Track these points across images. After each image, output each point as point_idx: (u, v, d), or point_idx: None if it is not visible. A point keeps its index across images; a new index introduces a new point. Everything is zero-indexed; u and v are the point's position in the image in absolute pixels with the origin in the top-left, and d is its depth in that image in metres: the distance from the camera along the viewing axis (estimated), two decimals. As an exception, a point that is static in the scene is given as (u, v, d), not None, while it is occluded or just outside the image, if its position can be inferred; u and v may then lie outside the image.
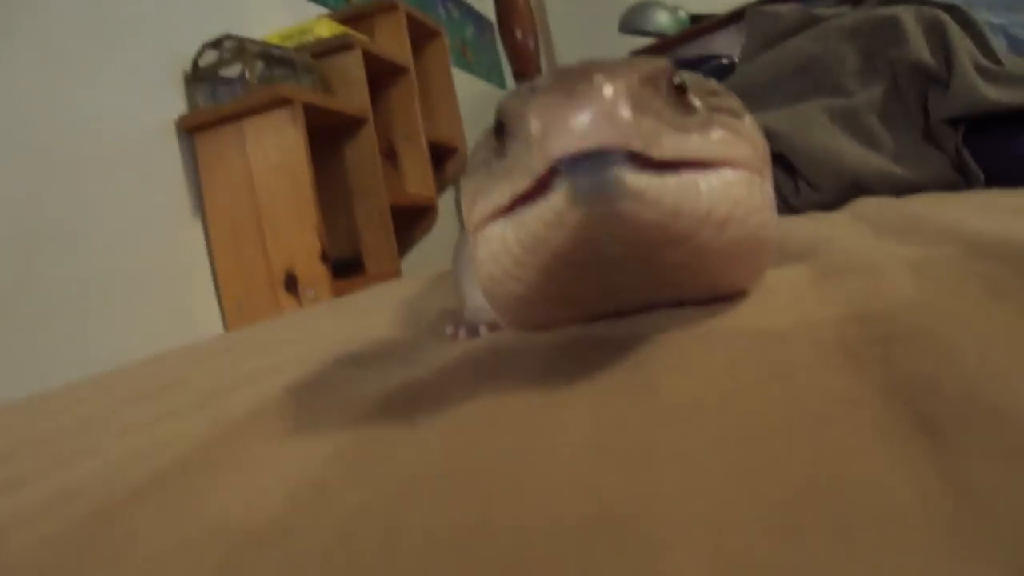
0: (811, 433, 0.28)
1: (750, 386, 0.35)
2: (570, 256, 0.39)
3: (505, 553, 0.23)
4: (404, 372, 0.48)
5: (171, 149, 2.31)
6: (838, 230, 0.84)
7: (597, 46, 4.44)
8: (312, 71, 2.59)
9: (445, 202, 3.66)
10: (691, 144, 0.39)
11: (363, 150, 2.80)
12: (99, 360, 1.69)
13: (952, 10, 1.36)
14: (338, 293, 2.21)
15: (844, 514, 0.22)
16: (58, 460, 0.46)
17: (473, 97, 4.49)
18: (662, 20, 3.84)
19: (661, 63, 0.40)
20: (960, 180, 1.24)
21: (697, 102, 0.42)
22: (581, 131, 0.35)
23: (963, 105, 1.23)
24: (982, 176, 1.21)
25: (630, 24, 3.93)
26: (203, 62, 2.39)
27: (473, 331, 0.60)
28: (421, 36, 3.64)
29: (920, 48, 1.31)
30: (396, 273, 2.76)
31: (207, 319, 2.32)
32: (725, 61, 2.11)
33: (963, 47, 1.28)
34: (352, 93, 2.78)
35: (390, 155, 3.22)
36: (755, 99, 1.44)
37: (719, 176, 0.41)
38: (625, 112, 0.35)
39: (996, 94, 1.20)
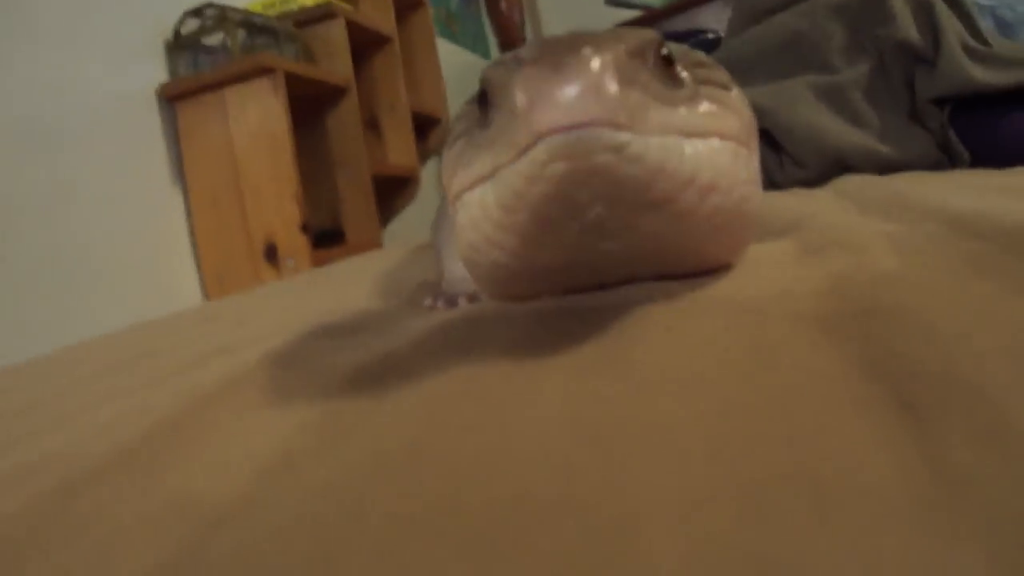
0: (789, 410, 0.28)
1: (728, 361, 0.35)
2: (550, 213, 0.39)
3: (472, 530, 0.23)
4: (379, 344, 0.48)
5: (152, 118, 2.30)
6: (821, 206, 0.84)
7: (583, 18, 4.41)
8: (295, 40, 2.58)
9: (427, 173, 3.66)
10: (678, 117, 0.39)
11: (345, 120, 2.79)
12: (77, 330, 1.68)
13: (941, -11, 1.36)
14: (318, 263, 2.20)
15: (820, 493, 0.22)
16: (24, 433, 0.46)
17: (457, 67, 4.49)
18: (648, -7, 3.84)
19: (649, 34, 0.40)
20: (945, 160, 1.24)
21: (684, 74, 0.42)
22: (567, 105, 0.34)
23: (950, 85, 1.23)
24: (967, 156, 1.21)
25: (616, -4, 3.93)
26: (184, 30, 2.38)
27: (452, 302, 0.60)
28: (405, 5, 3.64)
29: (907, 27, 1.31)
30: (377, 244, 2.77)
31: (187, 289, 2.32)
32: (711, 36, 2.11)
33: (951, 27, 1.28)
34: (335, 62, 2.78)
35: (372, 125, 3.22)
36: (741, 74, 1.43)
37: (705, 143, 0.40)
38: (612, 86, 0.35)
39: (983, 75, 1.21)
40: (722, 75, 0.46)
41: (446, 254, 0.67)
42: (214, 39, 2.37)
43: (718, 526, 0.21)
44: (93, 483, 0.34)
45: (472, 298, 0.59)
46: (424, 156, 3.65)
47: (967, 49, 1.26)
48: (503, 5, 3.59)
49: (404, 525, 0.24)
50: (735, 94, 0.46)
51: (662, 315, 0.42)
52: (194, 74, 2.34)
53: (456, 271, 0.63)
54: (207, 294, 2.34)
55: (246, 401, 0.41)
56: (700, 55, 0.47)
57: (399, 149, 3.29)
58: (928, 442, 0.24)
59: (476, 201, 0.42)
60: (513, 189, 0.38)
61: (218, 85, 2.29)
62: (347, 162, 2.78)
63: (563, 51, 0.35)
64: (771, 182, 1.33)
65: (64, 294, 1.90)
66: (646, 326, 0.41)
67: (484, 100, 0.41)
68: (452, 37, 4.78)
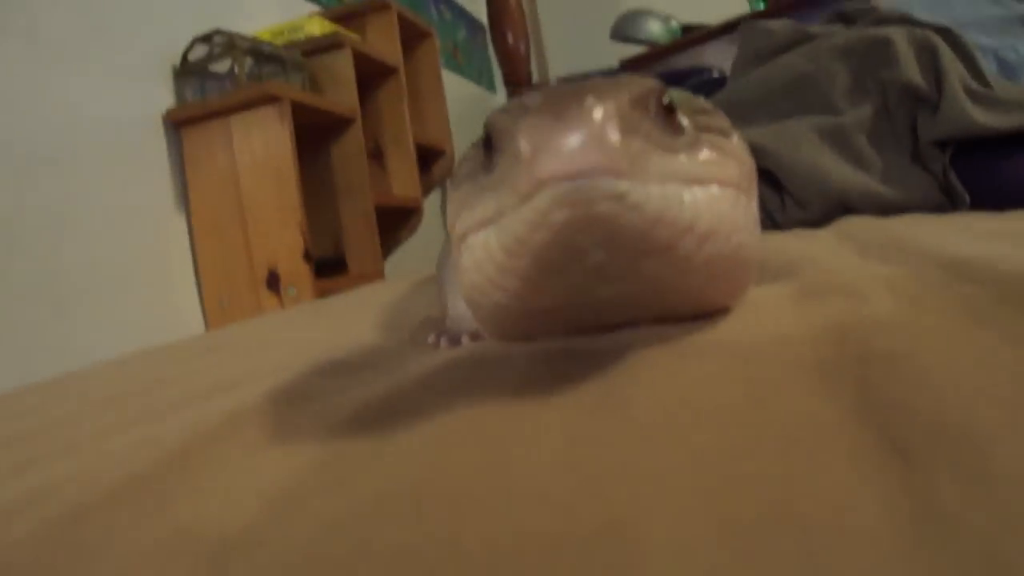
0: (783, 454, 0.29)
1: (724, 405, 0.35)
2: (552, 259, 0.39)
3: (473, 567, 0.24)
4: (383, 383, 0.48)
5: (157, 143, 2.31)
6: (822, 249, 0.84)
7: (588, 53, 4.45)
8: (302, 69, 2.59)
9: (431, 204, 3.66)
10: (678, 165, 0.39)
11: (350, 150, 2.80)
12: (78, 353, 1.69)
13: (944, 32, 1.36)
14: (320, 292, 2.21)
15: (810, 537, 0.23)
16: (33, 459, 0.46)
17: (462, 100, 4.50)
18: (654, 29, 3.85)
19: (651, 83, 0.40)
20: (946, 202, 1.24)
21: (685, 121, 0.42)
22: (569, 154, 0.35)
23: (952, 128, 1.23)
24: (968, 199, 1.22)
25: (621, 32, 3.93)
26: (192, 56, 2.39)
27: (455, 340, 0.60)
28: (412, 37, 3.64)
29: (911, 69, 1.31)
30: (379, 274, 2.77)
31: (188, 315, 2.32)
32: (715, 74, 2.12)
33: (954, 70, 1.29)
34: (341, 92, 2.78)
35: (377, 156, 3.23)
36: (744, 114, 1.45)
37: (704, 191, 0.41)
38: (613, 136, 0.35)
39: (985, 118, 1.21)
40: (722, 121, 0.47)
41: (450, 292, 0.68)
42: (221, 66, 2.38)
43: (710, 567, 0.22)
44: (104, 511, 0.34)
45: (475, 336, 0.59)
46: (428, 188, 3.65)
47: (969, 92, 1.26)
48: (509, 38, 3.59)
49: (406, 563, 0.25)
50: (735, 141, 0.46)
51: (660, 358, 0.42)
52: (200, 100, 2.35)
53: (459, 309, 0.63)
54: (208, 320, 2.34)
55: (253, 438, 0.41)
56: (701, 101, 0.48)
57: (403, 180, 3.29)
58: (916, 486, 0.25)
59: (480, 244, 0.42)
60: (516, 235, 0.38)
61: (224, 112, 2.30)
62: (351, 192, 2.78)
63: (567, 100, 0.36)
64: (773, 222, 1.34)
65: (65, 316, 1.90)
66: (644, 368, 0.41)
67: (489, 144, 0.41)
68: (458, 69, 4.80)
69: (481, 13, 4.56)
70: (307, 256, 2.25)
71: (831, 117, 1.38)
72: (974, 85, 1.29)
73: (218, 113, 2.31)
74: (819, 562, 0.21)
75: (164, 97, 2.37)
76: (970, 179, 1.23)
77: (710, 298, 0.49)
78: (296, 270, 2.25)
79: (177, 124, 2.36)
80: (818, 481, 0.26)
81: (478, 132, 0.45)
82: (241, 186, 2.30)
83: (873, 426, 0.30)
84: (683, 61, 3.34)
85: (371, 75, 3.17)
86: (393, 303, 1.04)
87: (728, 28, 3.23)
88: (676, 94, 0.43)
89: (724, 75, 2.02)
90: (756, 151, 0.49)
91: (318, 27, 2.82)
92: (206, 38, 2.39)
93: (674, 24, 3.88)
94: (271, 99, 2.27)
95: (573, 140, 0.35)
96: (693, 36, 3.58)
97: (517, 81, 3.63)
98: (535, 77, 3.83)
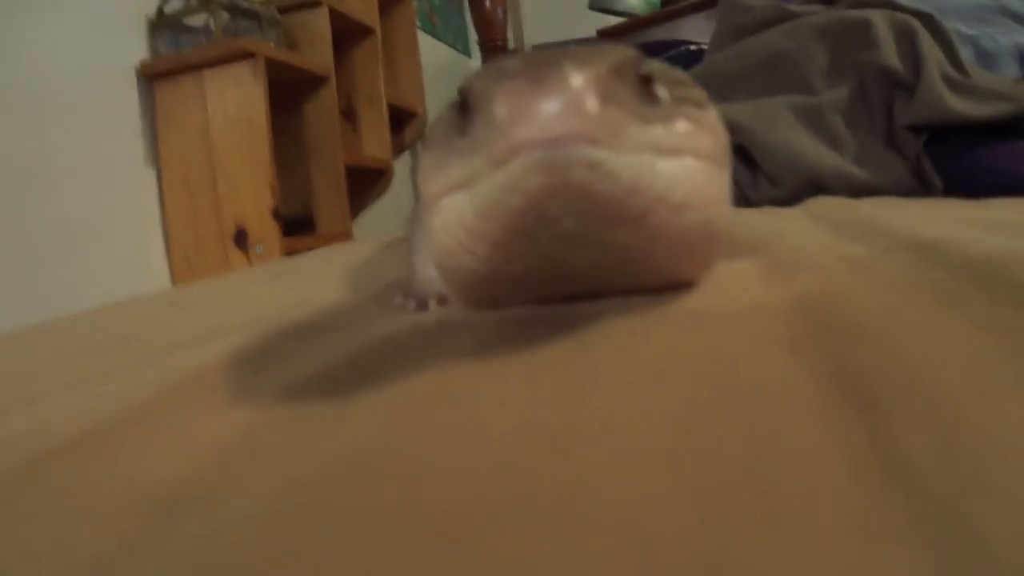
0: (750, 415, 0.29)
1: (692, 369, 0.36)
2: (524, 225, 0.39)
3: (432, 531, 0.24)
4: (348, 344, 0.48)
5: (130, 95, 2.30)
6: (792, 227, 0.85)
7: (565, 21, 4.43)
8: (277, 26, 2.58)
9: (401, 166, 3.66)
10: (653, 136, 0.39)
11: (323, 109, 2.80)
12: (42, 305, 1.68)
13: (924, 18, 1.37)
14: (288, 251, 2.21)
15: (771, 497, 0.23)
16: (-6, 408, 0.45)
17: (437, 63, 4.49)
18: (632, 0, 3.84)
19: (629, 53, 0.40)
20: (918, 187, 1.25)
21: (663, 92, 0.42)
22: (547, 120, 0.35)
23: (927, 113, 1.24)
24: (940, 185, 1.22)
25: (600, 1, 3.92)
26: (168, 9, 2.38)
27: (422, 304, 0.60)
28: (390, -3, 3.63)
29: (890, 53, 1.32)
30: (347, 234, 2.77)
31: (154, 269, 2.32)
32: (693, 48, 2.12)
33: (932, 56, 1.29)
34: (316, 50, 2.78)
35: (349, 115, 3.22)
36: (721, 90, 1.45)
37: (679, 162, 0.41)
38: (591, 103, 0.35)
39: (961, 106, 1.22)
40: (699, 94, 0.47)
41: (418, 255, 0.67)
42: (197, 20, 2.37)
43: (667, 532, 0.22)
44: (59, 462, 0.34)
45: (442, 300, 0.59)
46: (399, 149, 3.65)
47: (947, 79, 1.27)
48: (487, 2, 3.58)
49: (366, 522, 0.24)
50: (711, 114, 0.47)
51: (627, 324, 0.43)
52: (175, 53, 2.34)
53: (427, 272, 0.63)
54: (174, 275, 2.33)
55: (215, 396, 0.41)
56: (678, 73, 0.47)
57: (374, 141, 3.29)
58: (884, 443, 0.25)
59: (452, 207, 0.42)
60: (489, 199, 0.38)
61: (198, 66, 2.29)
62: (322, 151, 2.78)
63: (545, 66, 0.36)
64: (744, 199, 1.34)
65: (30, 267, 1.89)
66: (611, 334, 0.42)
67: (464, 107, 0.41)
68: (433, 32, 4.77)
69: (459, -24, 4.55)
70: (276, 214, 2.24)
71: (807, 96, 1.39)
72: (952, 72, 1.29)
73: (192, 67, 2.30)
74: (782, 522, 0.21)
75: (138, 49, 2.35)
76: (943, 165, 1.24)
77: (680, 269, 0.49)
78: (264, 228, 2.25)
79: (150, 77, 2.35)
80: (786, 440, 0.26)
81: (452, 95, 0.45)
82: (212, 141, 2.29)
83: (842, 388, 0.30)
84: (660, 34, 3.34)
85: (347, 34, 3.16)
86: (361, 264, 1.03)
87: (707, 3, 3.22)
88: (654, 65, 0.43)
89: (701, 49, 2.02)
90: (731, 127, 0.49)
91: (296, -17, 2.80)
92: (183, -9, 2.37)
93: (653, -4, 3.88)
94: (246, 55, 2.27)
95: (551, 106, 0.35)
96: (671, 9, 3.56)
97: (493, 47, 3.63)
98: (511, 43, 3.82)
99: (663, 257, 0.45)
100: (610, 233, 0.40)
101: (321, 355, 0.46)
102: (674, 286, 0.49)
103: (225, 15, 2.38)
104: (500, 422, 0.31)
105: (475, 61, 4.97)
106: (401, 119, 3.65)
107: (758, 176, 1.34)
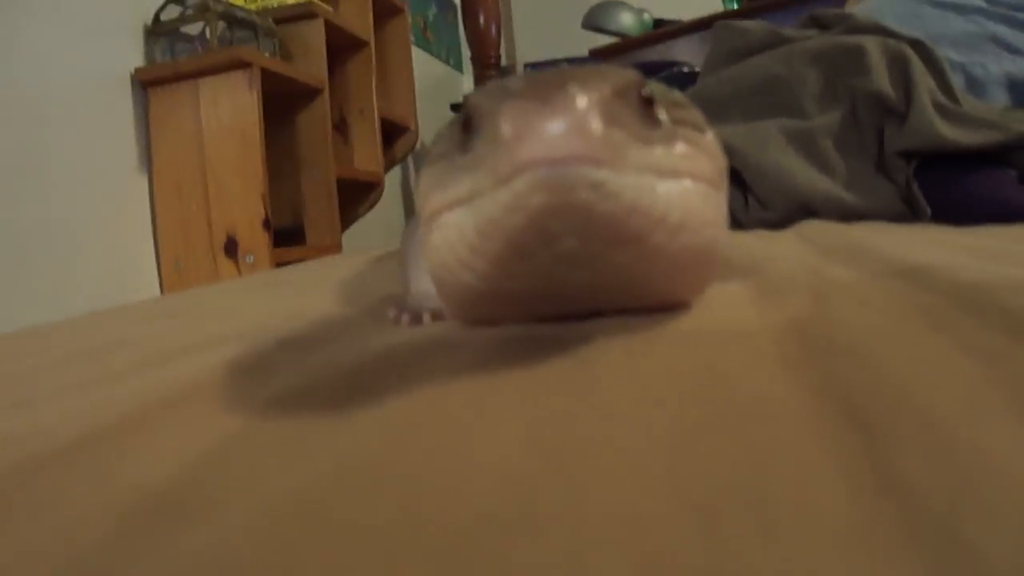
0: (745, 432, 0.29)
1: (687, 387, 0.36)
2: (524, 243, 0.39)
3: (426, 548, 0.23)
4: (344, 357, 0.48)
5: (124, 101, 2.30)
6: (783, 250, 0.85)
7: (558, 40, 4.45)
8: (273, 36, 2.58)
9: (391, 180, 3.65)
10: (654, 157, 0.40)
11: (315, 120, 2.80)
12: (33, 309, 1.67)
13: (917, 45, 1.37)
14: (277, 261, 2.21)
15: (769, 513, 0.23)
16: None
17: (429, 77, 4.49)
18: (626, 20, 3.84)
19: (632, 75, 0.41)
20: (908, 212, 1.25)
21: (663, 114, 0.43)
22: (551, 140, 0.35)
23: (918, 140, 1.24)
24: (929, 211, 1.23)
25: (593, 21, 3.92)
26: (165, 16, 2.37)
27: (416, 318, 0.60)
28: (384, 11, 3.63)
29: (882, 79, 1.32)
30: (337, 246, 2.77)
31: (144, 276, 2.31)
32: (686, 69, 2.12)
33: (924, 83, 1.29)
34: (310, 62, 2.78)
35: (341, 128, 3.22)
36: (715, 113, 1.44)
37: (678, 184, 0.41)
38: (595, 124, 0.36)
39: (951, 133, 1.22)
40: (698, 116, 0.47)
41: (414, 269, 0.68)
42: (193, 28, 2.37)
43: (667, 548, 0.22)
44: (53, 467, 0.34)
45: (436, 315, 0.59)
46: (390, 163, 3.65)
47: (937, 106, 1.27)
48: (481, 19, 3.59)
49: (365, 537, 0.24)
50: (709, 137, 0.47)
51: (624, 344, 0.43)
52: (171, 61, 2.34)
53: (423, 286, 0.63)
54: (164, 283, 2.33)
55: (211, 407, 0.41)
56: (678, 95, 0.48)
57: (366, 154, 3.29)
58: (879, 460, 0.25)
59: (452, 223, 0.42)
60: (490, 216, 0.39)
61: (194, 75, 2.29)
62: (313, 163, 2.78)
63: (551, 86, 0.36)
64: (736, 222, 1.34)
65: (20, 271, 1.89)
66: (608, 353, 0.42)
67: (466, 124, 0.42)
68: (427, 46, 4.78)
69: (453, -9, 4.56)
70: (266, 224, 2.24)
71: (800, 120, 1.39)
72: (943, 99, 1.29)
73: (187, 75, 2.31)
74: (778, 535, 0.21)
75: (133, 56, 2.35)
76: (933, 192, 1.24)
77: (677, 290, 0.49)
78: (254, 238, 2.25)
79: (145, 84, 2.34)
80: (780, 456, 0.27)
81: (443, 110, 0.45)
82: (205, 150, 2.29)
83: (836, 407, 0.30)
84: (653, 55, 3.34)
85: (341, 47, 3.16)
86: (352, 277, 1.03)
87: (700, 25, 3.23)
88: (655, 86, 0.44)
89: (695, 71, 2.02)
90: (724, 149, 0.50)
91: (292, -6, 2.80)
92: (179, -1, 2.38)
93: (647, 17, 3.88)
94: (241, 64, 2.27)
95: (555, 126, 0.35)
96: (664, 30, 3.57)
97: (485, 63, 3.63)
98: (503, 60, 3.82)
99: (660, 277, 0.46)
100: (609, 253, 0.41)
101: (317, 368, 0.46)
102: (670, 306, 0.50)
103: (221, 24, 2.38)
104: (498, 439, 0.32)
105: (468, 76, 4.97)
106: (392, 133, 3.66)
107: (749, 198, 1.35)
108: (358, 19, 3.29)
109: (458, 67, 5.33)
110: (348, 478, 0.30)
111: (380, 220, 3.48)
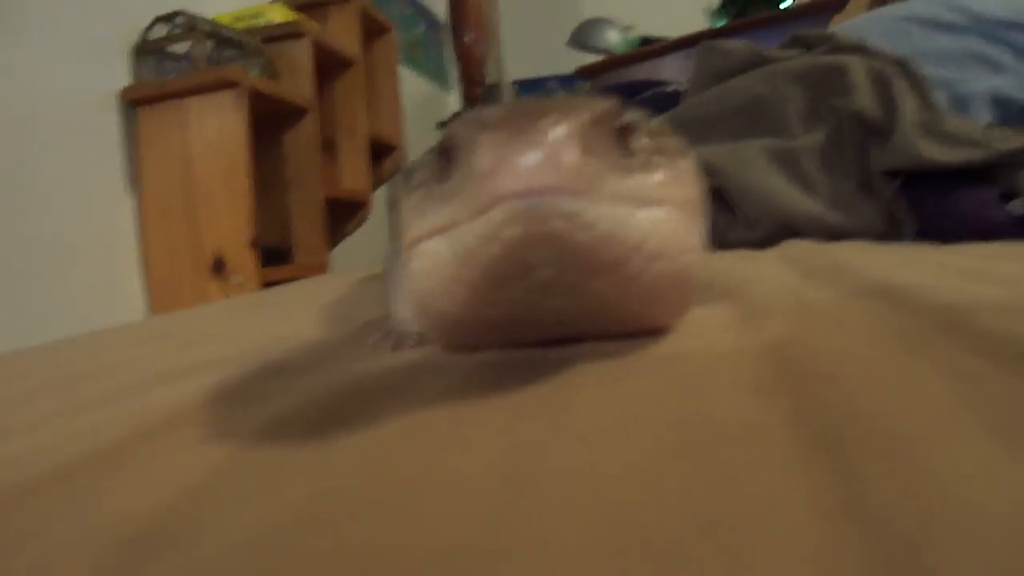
0: (716, 458, 0.30)
1: (660, 413, 0.36)
2: (501, 272, 0.40)
3: None
4: (325, 383, 0.48)
5: (111, 120, 2.30)
6: (765, 271, 0.85)
7: (546, 58, 4.47)
8: (260, 55, 2.58)
9: (379, 198, 3.65)
10: (630, 186, 0.40)
11: (303, 140, 2.80)
12: (17, 331, 1.67)
13: (901, 63, 1.38)
14: (265, 281, 2.21)
15: (739, 542, 0.23)
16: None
17: (417, 96, 4.50)
18: (612, 38, 3.85)
19: (608, 104, 0.41)
20: (891, 231, 1.26)
21: (642, 141, 0.43)
22: (526, 172, 0.36)
23: (901, 160, 1.24)
24: (914, 229, 1.23)
25: (579, 39, 3.94)
26: (152, 35, 2.37)
27: (398, 343, 0.60)
28: (372, 30, 3.64)
29: (865, 99, 1.32)
30: (324, 266, 2.77)
31: (131, 296, 2.30)
32: (670, 88, 2.13)
33: (907, 102, 1.30)
34: (298, 81, 2.78)
35: (329, 147, 3.21)
36: (700, 133, 1.46)
37: (654, 212, 0.42)
38: (570, 155, 0.36)
39: (934, 152, 1.22)
40: (676, 143, 0.48)
41: (395, 295, 0.68)
42: (181, 47, 2.38)
43: (636, 573, 0.22)
44: (30, 500, 0.34)
45: (419, 341, 0.59)
46: (377, 182, 3.65)
47: (920, 124, 1.27)
48: (467, 39, 3.59)
49: (333, 566, 0.25)
50: (687, 163, 0.47)
51: (600, 369, 0.44)
52: (159, 80, 2.34)
53: (404, 312, 0.63)
54: (151, 303, 2.32)
55: (190, 435, 0.41)
56: (656, 122, 0.48)
57: (353, 173, 3.29)
58: (846, 485, 0.25)
59: (431, 252, 0.43)
60: (467, 246, 0.39)
61: (181, 94, 2.30)
62: (301, 183, 2.78)
63: (526, 117, 0.37)
64: (720, 241, 1.34)
65: (5, 290, 1.88)
66: (584, 378, 0.43)
67: (445, 152, 0.42)
68: (414, 65, 4.79)
69: (440, 10, 4.56)
70: (254, 244, 2.24)
71: (783, 140, 1.39)
72: (926, 118, 1.30)
73: (175, 94, 2.31)
74: (749, 561, 0.22)
75: (121, 75, 2.36)
76: (917, 210, 1.24)
77: (653, 316, 0.50)
78: (242, 257, 2.25)
79: (133, 103, 2.35)
80: (752, 482, 0.27)
81: (431, 129, 0.45)
82: (193, 170, 2.29)
83: (808, 431, 0.31)
84: (639, 73, 3.34)
85: (329, 66, 3.16)
86: (337, 300, 1.04)
87: (686, 43, 3.23)
88: (633, 114, 0.44)
89: (679, 90, 2.03)
90: (708, 169, 0.50)
91: (279, 14, 2.81)
92: (168, 18, 2.38)
93: (633, 35, 3.89)
94: (229, 84, 2.27)
95: (530, 158, 0.36)
96: (650, 48, 3.58)
97: (473, 81, 3.64)
98: (491, 78, 3.82)
99: (637, 304, 0.46)
100: (585, 281, 0.41)
101: (297, 395, 0.47)
102: (647, 331, 0.50)
103: (209, 44, 2.38)
104: (472, 468, 0.32)
105: (455, 94, 4.97)
106: (380, 152, 3.65)
107: (734, 219, 1.35)
108: (346, 38, 3.30)
109: (446, 86, 5.34)
110: (323, 506, 0.30)
111: (368, 238, 3.48)
